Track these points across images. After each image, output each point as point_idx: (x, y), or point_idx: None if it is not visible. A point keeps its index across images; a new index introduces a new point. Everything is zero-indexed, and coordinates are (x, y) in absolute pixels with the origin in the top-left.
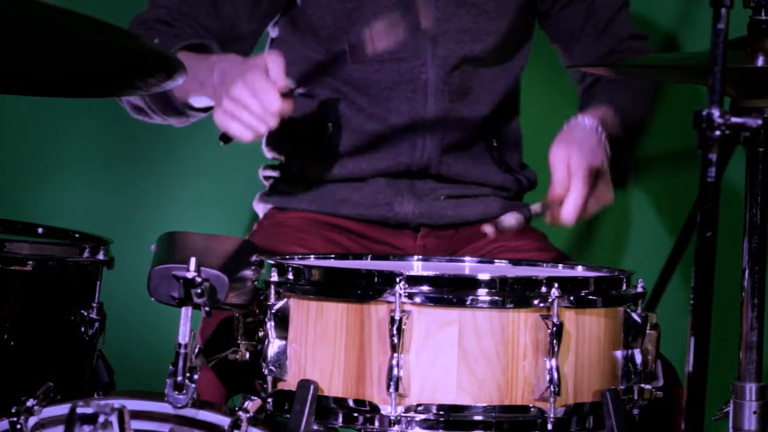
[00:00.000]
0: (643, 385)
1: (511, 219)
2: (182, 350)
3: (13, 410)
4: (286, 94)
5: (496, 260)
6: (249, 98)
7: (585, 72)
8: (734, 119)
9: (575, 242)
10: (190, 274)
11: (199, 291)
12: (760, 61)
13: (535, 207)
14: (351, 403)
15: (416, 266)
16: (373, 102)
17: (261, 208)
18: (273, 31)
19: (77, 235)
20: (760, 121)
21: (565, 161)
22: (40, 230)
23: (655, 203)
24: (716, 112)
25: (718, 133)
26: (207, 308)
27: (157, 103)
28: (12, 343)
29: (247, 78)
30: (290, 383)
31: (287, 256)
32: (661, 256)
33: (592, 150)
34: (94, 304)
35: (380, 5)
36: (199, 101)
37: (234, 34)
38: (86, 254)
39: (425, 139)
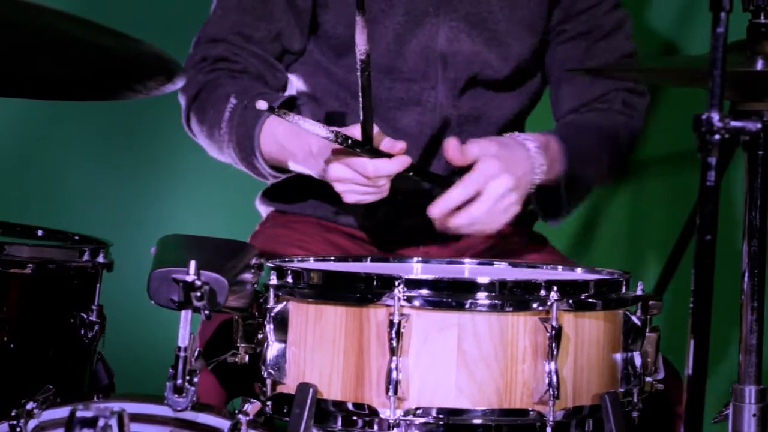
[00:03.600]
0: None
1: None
2: (182, 353)
3: (13, 413)
4: (377, 151)
5: (495, 262)
6: (347, 173)
7: (564, 116)
8: (734, 123)
9: (575, 243)
10: (190, 278)
11: (198, 294)
12: (759, 65)
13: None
14: (350, 406)
15: (416, 268)
16: (381, 120)
17: (264, 209)
18: None
19: (77, 238)
20: (759, 125)
21: (484, 159)
22: (39, 232)
23: (655, 204)
24: (716, 116)
25: (717, 137)
26: (206, 312)
27: (252, 171)
28: (12, 345)
29: (335, 151)
30: (289, 386)
31: (286, 259)
32: (661, 258)
33: (517, 175)
34: (94, 307)
35: (392, 20)
36: (297, 169)
37: (288, 48)
38: (86, 257)
39: (432, 162)
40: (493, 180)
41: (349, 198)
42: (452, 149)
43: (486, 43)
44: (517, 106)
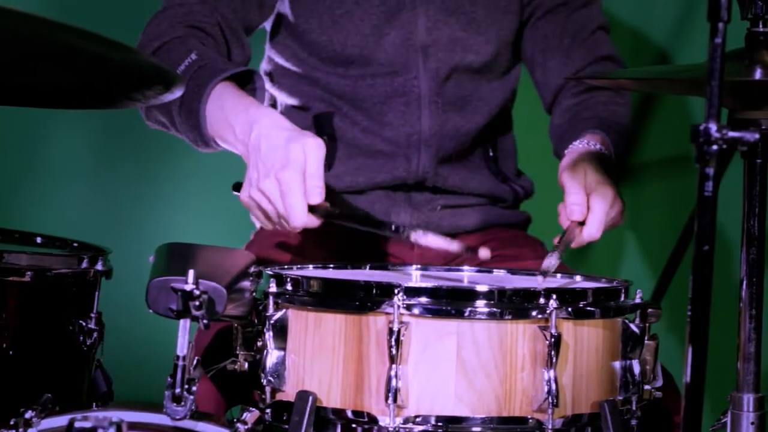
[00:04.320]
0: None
1: (552, 260)
2: (180, 362)
3: (12, 422)
4: (315, 208)
5: (494, 269)
6: (277, 200)
7: (556, 95)
8: (731, 133)
9: (573, 249)
10: (188, 287)
11: (197, 303)
12: (757, 74)
13: (565, 239)
14: (349, 414)
15: (415, 275)
16: (367, 116)
17: None
18: (268, 25)
19: (76, 244)
20: (757, 135)
21: (580, 182)
22: (38, 239)
23: (653, 208)
24: (713, 127)
25: (715, 147)
26: (205, 321)
27: (188, 133)
28: (11, 352)
29: (282, 178)
30: (289, 394)
31: (285, 266)
32: (659, 262)
33: (602, 171)
34: (93, 314)
35: (367, 12)
36: (226, 146)
37: (248, 24)
38: (85, 264)
39: (420, 152)
40: (610, 207)
41: (254, 213)
42: (576, 209)
43: (465, 28)
44: (501, 96)
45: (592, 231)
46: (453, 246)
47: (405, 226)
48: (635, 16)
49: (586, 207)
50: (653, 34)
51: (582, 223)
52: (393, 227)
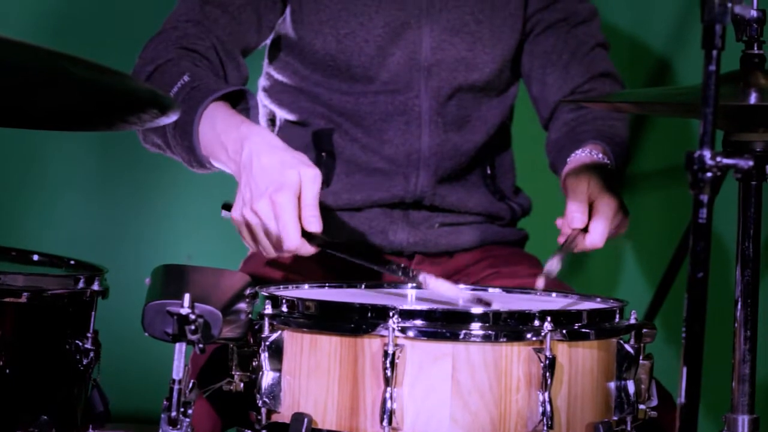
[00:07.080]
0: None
1: (554, 263)
2: (176, 386)
3: None
4: (309, 236)
5: (489, 288)
6: (270, 221)
7: (553, 111)
8: (726, 161)
9: (568, 263)
10: (184, 311)
11: (193, 327)
12: (752, 98)
13: (566, 245)
14: None
15: (410, 295)
16: (367, 133)
17: None
18: (267, 41)
19: (72, 262)
20: (751, 162)
21: (582, 190)
22: (35, 257)
23: (650, 218)
24: (707, 154)
25: (709, 174)
26: (201, 345)
27: (183, 154)
28: (7, 371)
29: (276, 199)
30: (284, 415)
31: (281, 287)
32: (657, 272)
33: (606, 180)
34: (89, 334)
35: (372, 33)
36: (219, 166)
37: (245, 46)
38: (81, 284)
39: (419, 171)
40: (614, 216)
41: (244, 233)
42: (577, 216)
43: (470, 47)
44: (500, 114)
45: (595, 239)
46: (462, 294)
47: (412, 268)
48: (633, 30)
49: (587, 215)
50: (651, 47)
51: (585, 230)
52: (399, 266)
